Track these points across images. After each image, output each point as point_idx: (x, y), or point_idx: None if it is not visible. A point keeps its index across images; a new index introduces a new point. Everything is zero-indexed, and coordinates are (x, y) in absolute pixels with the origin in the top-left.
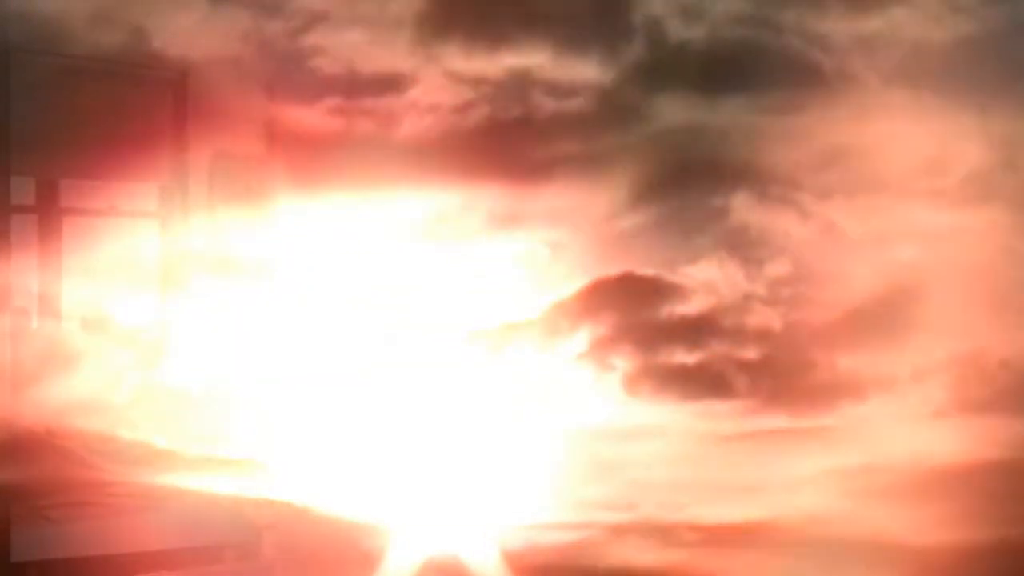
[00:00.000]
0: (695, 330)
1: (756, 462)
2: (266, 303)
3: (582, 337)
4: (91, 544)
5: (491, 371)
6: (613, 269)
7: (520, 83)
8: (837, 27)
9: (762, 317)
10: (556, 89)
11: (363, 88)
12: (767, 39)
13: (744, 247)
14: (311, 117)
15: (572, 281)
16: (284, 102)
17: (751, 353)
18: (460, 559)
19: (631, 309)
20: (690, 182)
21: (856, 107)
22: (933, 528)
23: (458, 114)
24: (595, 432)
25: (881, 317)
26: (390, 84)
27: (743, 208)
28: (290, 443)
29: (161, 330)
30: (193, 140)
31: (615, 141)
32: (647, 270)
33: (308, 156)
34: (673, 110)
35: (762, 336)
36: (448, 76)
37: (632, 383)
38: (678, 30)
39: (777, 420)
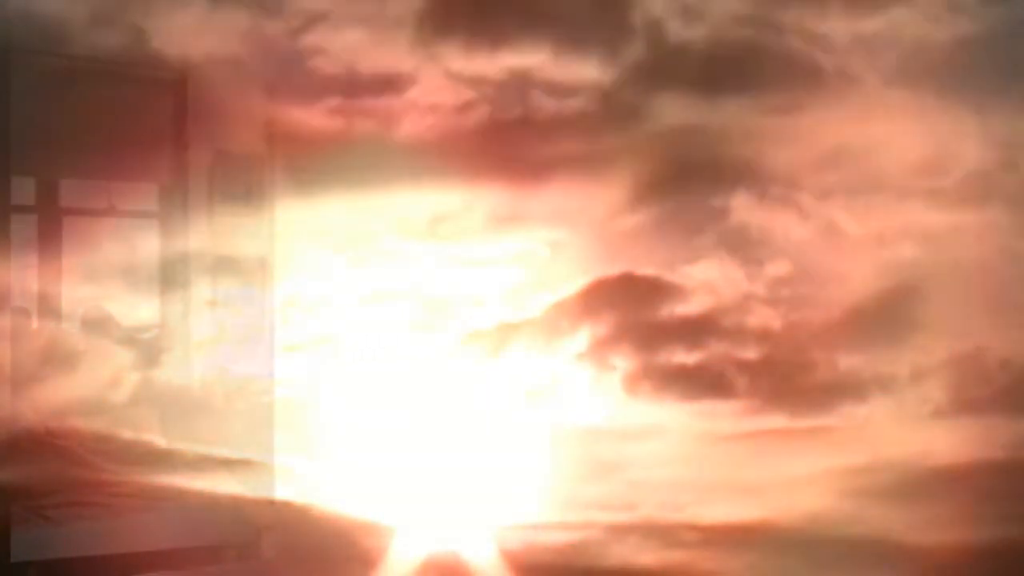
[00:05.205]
0: (695, 330)
1: (756, 462)
2: (265, 303)
3: (582, 337)
4: (91, 544)
5: (491, 371)
6: (613, 269)
7: (520, 83)
8: (837, 27)
9: (762, 317)
10: (556, 89)
11: (363, 88)
12: (767, 39)
13: (744, 247)
14: (311, 117)
15: (572, 281)
16: (284, 102)
17: (751, 353)
18: (460, 558)
19: (631, 309)
20: (690, 182)
21: (856, 107)
22: (933, 528)
23: (458, 114)
24: (595, 432)
25: (881, 317)
26: (390, 84)
27: (743, 208)
28: (290, 443)
29: (161, 330)
30: (193, 140)
31: (615, 141)
32: (647, 270)
33: (308, 156)
34: (673, 110)
35: (762, 336)
36: (448, 76)
37: (632, 383)
38: (678, 30)
39: (777, 420)
